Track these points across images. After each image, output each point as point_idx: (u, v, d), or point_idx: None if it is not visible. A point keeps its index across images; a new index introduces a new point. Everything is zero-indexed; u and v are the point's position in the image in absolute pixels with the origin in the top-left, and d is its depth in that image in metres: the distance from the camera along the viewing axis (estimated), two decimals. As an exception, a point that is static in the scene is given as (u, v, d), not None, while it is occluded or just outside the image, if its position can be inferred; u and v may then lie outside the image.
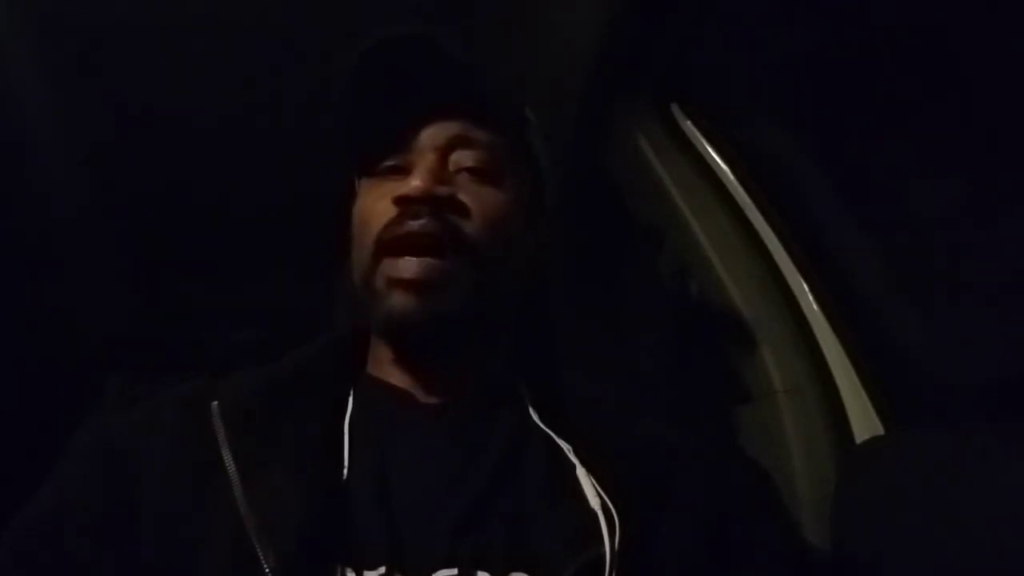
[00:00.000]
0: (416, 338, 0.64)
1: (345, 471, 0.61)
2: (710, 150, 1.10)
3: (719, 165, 1.09)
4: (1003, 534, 0.64)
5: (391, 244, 0.62)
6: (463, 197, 0.63)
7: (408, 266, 0.61)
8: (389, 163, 0.66)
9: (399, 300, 0.61)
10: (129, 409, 0.68)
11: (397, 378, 0.68)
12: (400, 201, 0.62)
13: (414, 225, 0.62)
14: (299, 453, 0.61)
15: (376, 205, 0.65)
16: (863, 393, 0.93)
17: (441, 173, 0.63)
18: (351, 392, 0.68)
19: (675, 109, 1.14)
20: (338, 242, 0.71)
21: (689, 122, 1.13)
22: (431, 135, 0.65)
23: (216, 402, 0.63)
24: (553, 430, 0.66)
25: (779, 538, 0.67)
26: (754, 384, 0.99)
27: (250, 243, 1.33)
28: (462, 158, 0.65)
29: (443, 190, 0.62)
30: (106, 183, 1.27)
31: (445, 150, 0.65)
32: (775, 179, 1.04)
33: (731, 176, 1.08)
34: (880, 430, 0.90)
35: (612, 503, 0.59)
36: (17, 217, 1.23)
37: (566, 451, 0.64)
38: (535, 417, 0.68)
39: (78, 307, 1.37)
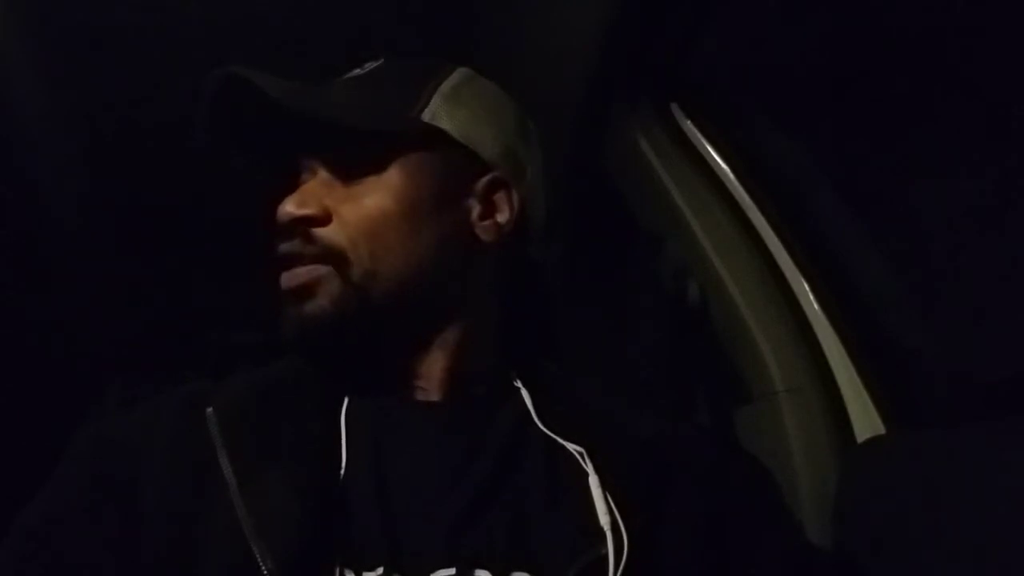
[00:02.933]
0: (306, 344, 0.67)
1: (342, 472, 0.61)
2: (710, 150, 1.10)
3: (719, 165, 1.09)
4: (1004, 533, 0.64)
5: (277, 265, 0.67)
6: (333, 207, 0.66)
7: (285, 278, 0.66)
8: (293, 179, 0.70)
9: (286, 311, 0.67)
10: (128, 411, 0.68)
11: (394, 379, 0.68)
12: (276, 224, 0.67)
13: (284, 247, 0.67)
14: (296, 455, 0.60)
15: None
16: (864, 393, 0.93)
17: (308, 191, 0.67)
18: (347, 393, 0.68)
19: (675, 109, 1.14)
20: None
21: (689, 122, 1.12)
22: (304, 156, 0.70)
23: (212, 406, 0.63)
24: (553, 430, 0.66)
25: (781, 538, 0.67)
26: (755, 384, 0.99)
27: (249, 245, 1.33)
28: (330, 171, 0.69)
29: (301, 211, 0.66)
30: (105, 185, 1.27)
31: (314, 166, 0.69)
32: (776, 179, 1.04)
33: (731, 176, 1.08)
34: (881, 429, 0.90)
35: (615, 503, 0.59)
36: (16, 219, 1.23)
37: (566, 451, 0.64)
38: (535, 417, 0.68)
39: (77, 309, 1.37)
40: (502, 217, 0.71)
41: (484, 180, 0.71)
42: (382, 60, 0.74)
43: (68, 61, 1.08)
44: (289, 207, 0.66)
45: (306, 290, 0.65)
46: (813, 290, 0.99)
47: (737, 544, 0.63)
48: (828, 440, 0.92)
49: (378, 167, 0.68)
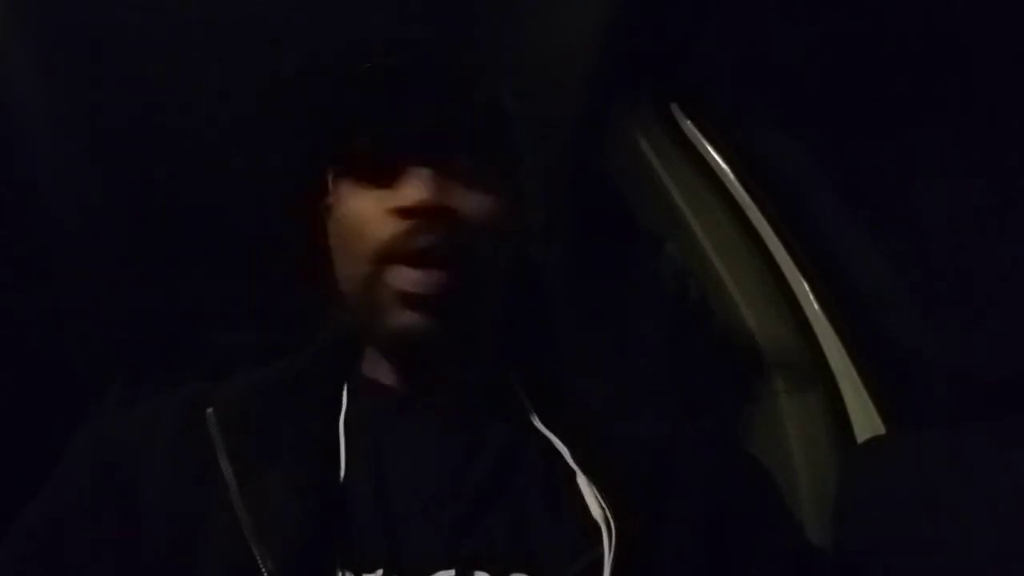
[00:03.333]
0: (419, 353, 0.64)
1: (342, 473, 0.61)
2: (710, 150, 1.10)
3: (719, 165, 1.09)
4: (1004, 533, 0.64)
5: (395, 256, 0.60)
6: (460, 206, 0.61)
7: (418, 280, 0.59)
8: (373, 165, 0.63)
9: (407, 316, 0.60)
10: (128, 411, 0.68)
11: (392, 379, 0.68)
12: (405, 213, 0.60)
13: (422, 241, 0.59)
14: (296, 456, 0.61)
15: (368, 212, 0.62)
16: (864, 392, 0.93)
17: (441, 182, 0.61)
18: (346, 394, 0.68)
19: (675, 109, 1.14)
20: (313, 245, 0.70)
21: (689, 122, 1.12)
22: (426, 143, 0.62)
23: (212, 407, 0.63)
24: (552, 431, 0.66)
25: (781, 538, 0.67)
26: (755, 384, 0.99)
27: (249, 245, 1.33)
28: (455, 166, 0.63)
29: (447, 202, 0.60)
30: (106, 185, 1.26)
31: (439, 159, 0.62)
32: (775, 179, 1.04)
33: (731, 176, 1.08)
34: (881, 429, 0.90)
35: (610, 504, 0.59)
36: (16, 219, 1.23)
37: (564, 453, 0.64)
38: (534, 418, 0.68)
39: (77, 309, 1.37)
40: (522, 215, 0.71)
41: None
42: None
43: (68, 61, 1.08)
44: (433, 195, 0.59)
45: (444, 300, 0.60)
46: (813, 290, 0.99)
47: (737, 544, 0.63)
48: (828, 440, 0.92)
49: (488, 173, 0.64)
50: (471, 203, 0.62)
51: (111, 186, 1.26)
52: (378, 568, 0.56)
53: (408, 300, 0.60)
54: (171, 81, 1.11)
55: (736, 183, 1.07)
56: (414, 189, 0.60)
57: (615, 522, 0.58)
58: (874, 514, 0.80)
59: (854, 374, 0.94)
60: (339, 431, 0.64)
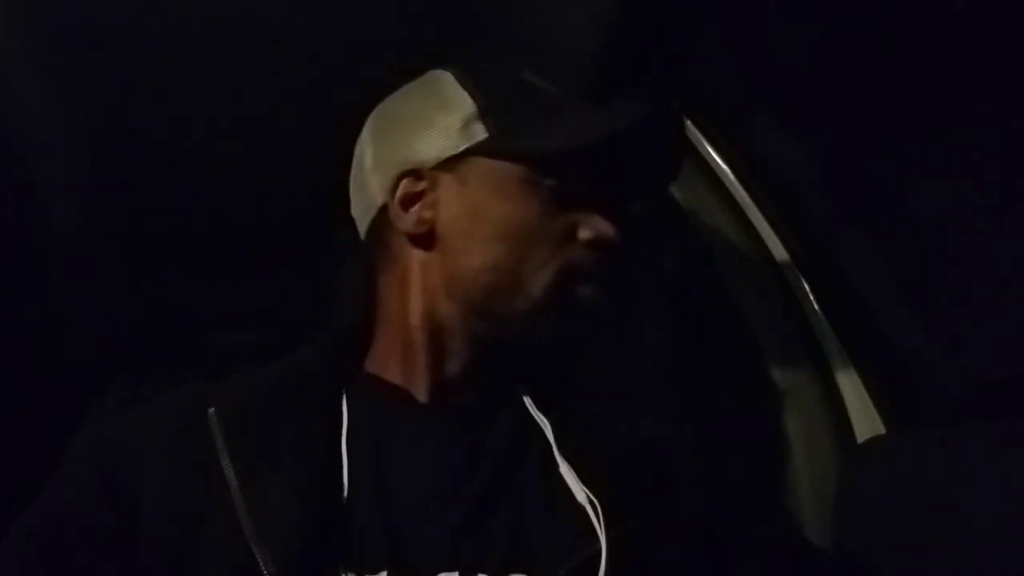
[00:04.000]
0: (552, 350, 0.72)
1: (344, 474, 0.61)
2: (710, 150, 1.10)
3: (719, 165, 1.09)
4: (1004, 533, 0.64)
5: (578, 275, 0.67)
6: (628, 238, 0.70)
7: (593, 296, 0.68)
8: (571, 183, 0.69)
9: (573, 324, 0.68)
10: (128, 411, 0.68)
11: (404, 378, 0.68)
12: (602, 244, 0.67)
13: (606, 268, 0.68)
14: (298, 457, 0.61)
15: (553, 226, 0.67)
16: (864, 392, 0.93)
17: (624, 219, 0.69)
18: (346, 393, 0.68)
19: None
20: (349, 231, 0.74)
21: (689, 122, 1.12)
22: (630, 192, 0.73)
23: (214, 407, 0.62)
24: (552, 431, 0.66)
25: (778, 536, 0.68)
26: (755, 384, 0.99)
27: (249, 246, 1.33)
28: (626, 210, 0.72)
29: (625, 241, 0.69)
30: (106, 185, 1.26)
31: (623, 201, 0.73)
32: (776, 179, 1.04)
33: (731, 176, 1.08)
34: (881, 429, 0.90)
35: (601, 500, 0.59)
36: (16, 219, 1.23)
37: (555, 451, 0.65)
38: (535, 418, 0.68)
39: (76, 310, 1.37)
40: None
41: None
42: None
43: (68, 61, 1.08)
44: (621, 234, 0.68)
45: (595, 314, 0.69)
46: (813, 290, 0.99)
47: (736, 544, 0.63)
48: (828, 440, 0.92)
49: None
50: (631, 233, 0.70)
51: (111, 186, 1.26)
52: (380, 570, 0.56)
53: (581, 310, 0.68)
54: (171, 81, 1.11)
55: (736, 183, 1.07)
56: (610, 226, 0.68)
57: (607, 518, 0.58)
58: (874, 514, 0.80)
59: (854, 374, 0.94)
60: (341, 431, 0.64)
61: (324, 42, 1.05)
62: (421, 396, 0.67)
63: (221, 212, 1.28)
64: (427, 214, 0.69)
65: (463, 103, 0.69)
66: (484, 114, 0.69)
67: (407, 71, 0.77)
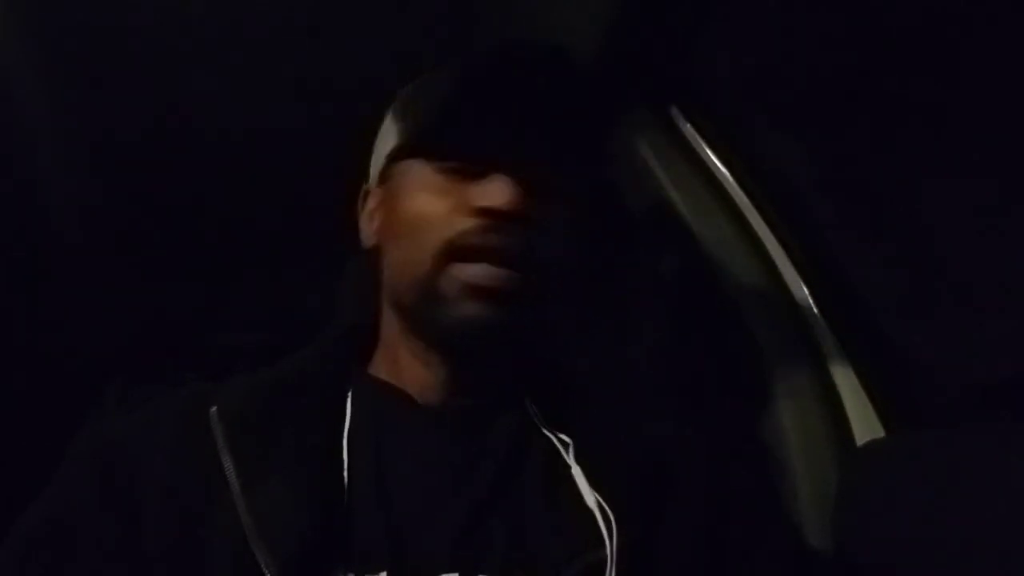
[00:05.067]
0: (476, 346, 0.64)
1: (345, 475, 0.61)
2: (709, 152, 1.10)
3: (718, 167, 1.09)
4: (1004, 535, 0.64)
5: (465, 250, 0.62)
6: (539, 215, 0.63)
7: (487, 274, 0.61)
8: (453, 162, 0.65)
9: (473, 307, 0.61)
10: (129, 413, 0.68)
11: (405, 379, 0.68)
12: (484, 213, 0.61)
13: (495, 240, 0.61)
14: (299, 457, 0.61)
15: (440, 205, 0.63)
16: (863, 395, 0.93)
17: (525, 187, 0.62)
18: (348, 394, 0.68)
19: (674, 111, 1.14)
20: (351, 234, 0.73)
21: (688, 124, 1.12)
22: (519, 147, 0.64)
23: (215, 407, 0.62)
24: (553, 432, 0.66)
25: (780, 539, 0.68)
26: (754, 385, 0.99)
27: (249, 246, 1.33)
28: (543, 174, 0.65)
29: (528, 210, 0.62)
30: (106, 186, 1.26)
31: (528, 165, 0.64)
32: (774, 180, 1.04)
33: (730, 178, 1.08)
34: (881, 432, 0.90)
35: (611, 505, 0.59)
36: (16, 220, 1.23)
37: (564, 453, 0.64)
38: (535, 418, 0.68)
39: (77, 311, 1.37)
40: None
41: None
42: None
43: (68, 61, 1.08)
44: (516, 200, 0.61)
45: (511, 296, 0.61)
46: (812, 292, 0.99)
47: (736, 546, 0.63)
48: (828, 441, 0.92)
49: (576, 188, 0.68)
50: (546, 209, 0.64)
51: (111, 186, 1.26)
52: (381, 570, 0.56)
53: (471, 291, 0.61)
54: (172, 81, 1.11)
55: (735, 185, 1.07)
56: (496, 191, 0.61)
57: (617, 523, 0.58)
58: (874, 516, 0.80)
59: (853, 376, 0.94)
60: (342, 432, 0.64)
61: (325, 43, 1.06)
62: (418, 399, 0.67)
63: (222, 213, 1.28)
64: (372, 228, 0.73)
65: (387, 118, 0.73)
66: (397, 121, 0.71)
67: (407, 71, 0.78)
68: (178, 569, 0.56)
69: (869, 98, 0.83)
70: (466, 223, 0.62)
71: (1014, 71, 0.65)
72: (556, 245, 0.64)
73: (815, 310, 0.98)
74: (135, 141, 1.19)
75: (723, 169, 1.09)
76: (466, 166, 0.64)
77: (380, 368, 0.70)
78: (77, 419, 0.81)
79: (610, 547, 0.57)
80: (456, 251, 0.62)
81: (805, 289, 0.99)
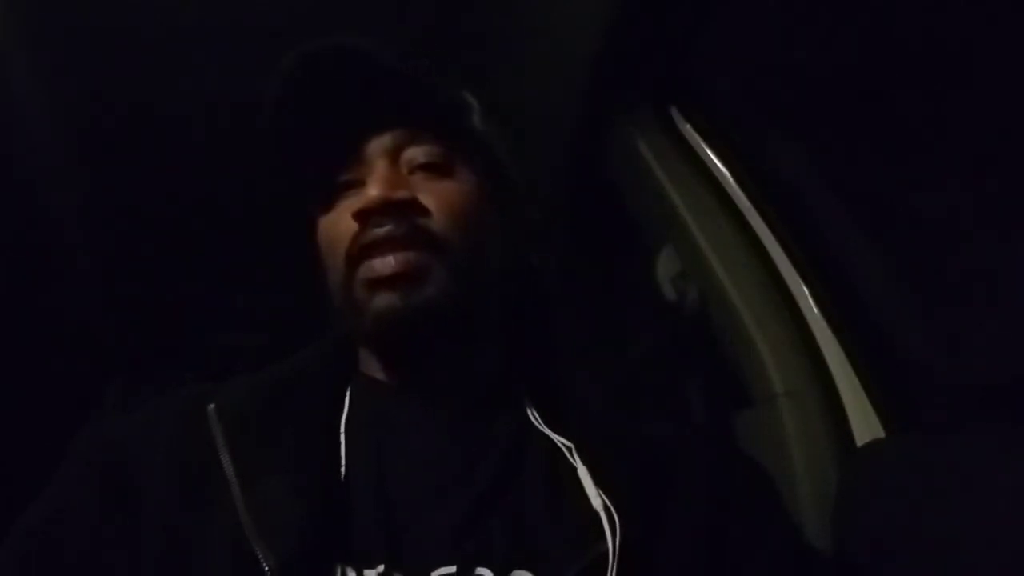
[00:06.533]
0: (402, 335, 0.64)
1: (343, 471, 0.61)
2: (709, 153, 1.10)
3: (718, 168, 1.09)
4: (1004, 536, 0.64)
5: (361, 252, 0.63)
6: (421, 196, 0.64)
7: (384, 264, 0.62)
8: (342, 178, 0.67)
9: (382, 298, 0.62)
10: (128, 413, 0.68)
11: (383, 375, 0.68)
12: (360, 215, 0.63)
13: (380, 232, 0.63)
14: (297, 455, 0.61)
15: (339, 222, 0.66)
16: (864, 396, 0.93)
17: (395, 177, 0.65)
18: (347, 393, 0.68)
19: (674, 112, 1.14)
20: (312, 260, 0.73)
21: (688, 125, 1.13)
22: (378, 142, 0.66)
23: (213, 406, 0.63)
24: (553, 430, 0.66)
25: (781, 538, 0.67)
26: (754, 387, 0.99)
27: (249, 246, 1.33)
28: (413, 156, 0.67)
29: (400, 194, 0.63)
30: (105, 185, 1.27)
31: (394, 153, 0.66)
32: (774, 181, 1.04)
33: (730, 179, 1.08)
34: (881, 433, 0.90)
35: (613, 502, 0.59)
36: (16, 219, 1.23)
37: (566, 451, 0.65)
38: (534, 417, 0.68)
39: (77, 310, 1.37)
40: (514, 209, 0.73)
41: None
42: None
43: (68, 61, 1.08)
44: (383, 190, 0.63)
45: (414, 277, 0.62)
46: (812, 293, 0.99)
47: (736, 546, 0.63)
48: (828, 442, 0.92)
49: (457, 162, 0.68)
50: (433, 191, 0.65)
51: (111, 186, 1.26)
52: (379, 564, 0.56)
53: (376, 285, 0.62)
54: (172, 81, 1.11)
55: (735, 186, 1.07)
56: (369, 190, 0.63)
57: (619, 520, 0.58)
58: (874, 517, 0.80)
59: (853, 377, 0.94)
60: (340, 429, 0.64)
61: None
62: (415, 395, 0.67)
63: (222, 213, 1.28)
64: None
65: None
66: None
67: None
68: (178, 567, 0.56)
69: (869, 98, 0.83)
70: (354, 228, 0.64)
71: (1014, 71, 0.66)
72: (451, 219, 0.65)
73: (815, 310, 0.98)
74: (136, 141, 1.19)
75: (723, 169, 1.09)
76: (348, 179, 0.67)
77: (367, 366, 0.70)
78: (77, 418, 0.81)
79: (612, 544, 0.57)
80: (356, 257, 0.64)
81: (805, 289, 0.99)
